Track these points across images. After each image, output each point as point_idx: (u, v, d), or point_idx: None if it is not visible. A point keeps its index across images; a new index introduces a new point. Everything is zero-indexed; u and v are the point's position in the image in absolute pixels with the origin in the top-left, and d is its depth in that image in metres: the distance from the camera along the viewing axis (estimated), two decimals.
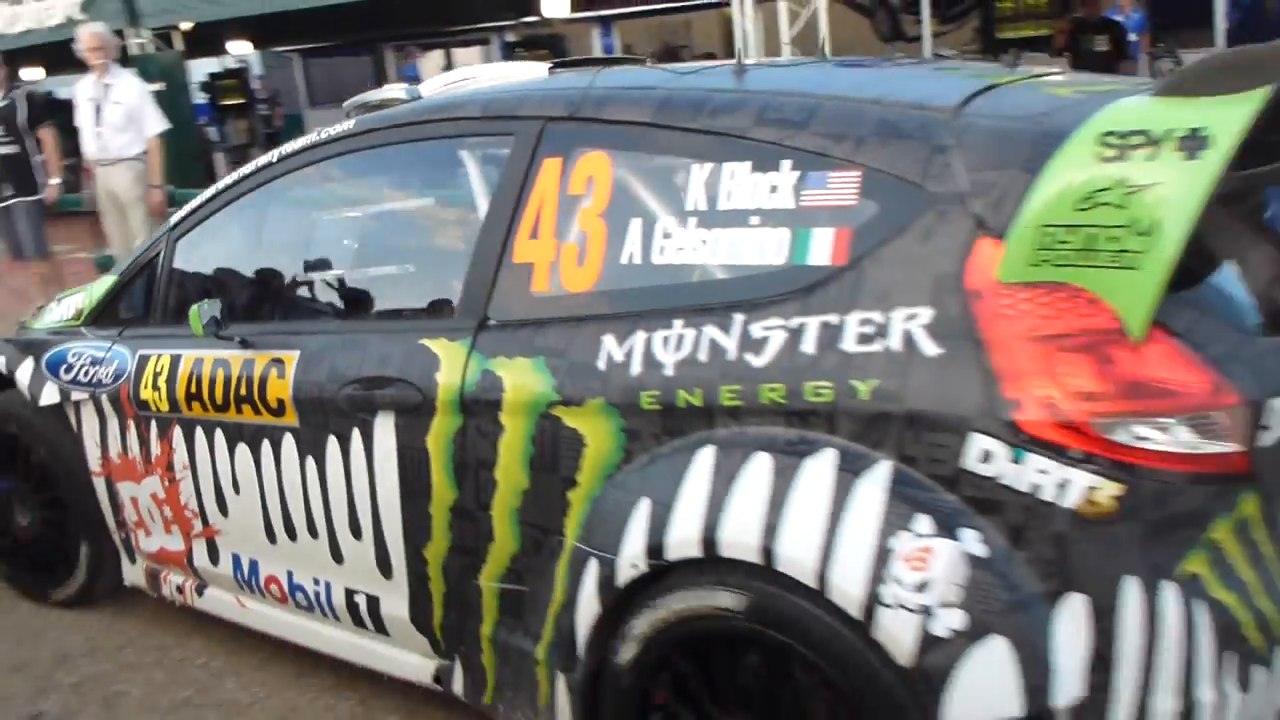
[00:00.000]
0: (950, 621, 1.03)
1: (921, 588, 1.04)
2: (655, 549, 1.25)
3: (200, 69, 11.97)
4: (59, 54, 9.14)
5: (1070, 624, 1.01)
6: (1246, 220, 1.18)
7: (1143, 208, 0.94)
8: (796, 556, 1.12)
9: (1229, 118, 0.93)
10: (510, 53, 10.89)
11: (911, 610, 1.04)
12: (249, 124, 11.03)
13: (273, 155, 1.92)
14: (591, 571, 1.34)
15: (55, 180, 5.19)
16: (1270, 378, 1.05)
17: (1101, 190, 0.96)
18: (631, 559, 1.28)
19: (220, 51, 12.08)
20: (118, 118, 5.17)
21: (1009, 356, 1.03)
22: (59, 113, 5.57)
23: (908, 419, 1.09)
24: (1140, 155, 0.95)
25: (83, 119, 5.15)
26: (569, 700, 1.43)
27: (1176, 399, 0.99)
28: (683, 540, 1.23)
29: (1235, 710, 1.03)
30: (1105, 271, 0.96)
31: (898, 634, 1.06)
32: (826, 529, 1.10)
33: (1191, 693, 1.01)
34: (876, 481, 1.10)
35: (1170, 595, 1.01)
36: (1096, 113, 1.04)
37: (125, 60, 6.77)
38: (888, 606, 1.06)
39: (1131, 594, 1.00)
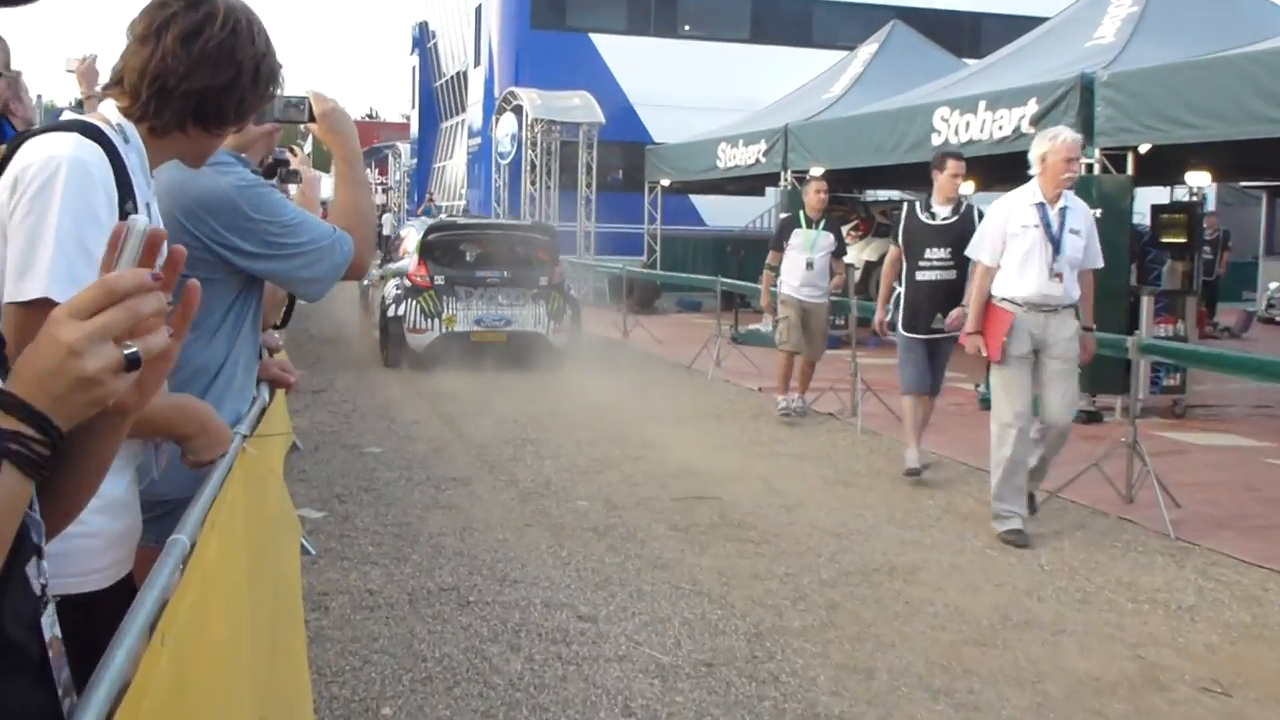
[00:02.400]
0: None
1: None
2: None
3: (1147, 197, 11.50)
4: (1002, 167, 9.70)
5: None
6: None
7: None
8: None
9: None
10: None
11: None
12: (1187, 267, 10.16)
13: None
14: None
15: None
16: None
17: None
18: None
19: (1175, 180, 11.52)
20: (1075, 250, 5.61)
21: None
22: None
23: None
24: None
25: (1028, 248, 5.68)
26: None
27: None
28: None
29: None
30: None
31: None
32: None
33: None
34: None
35: None
36: None
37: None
38: None
39: None
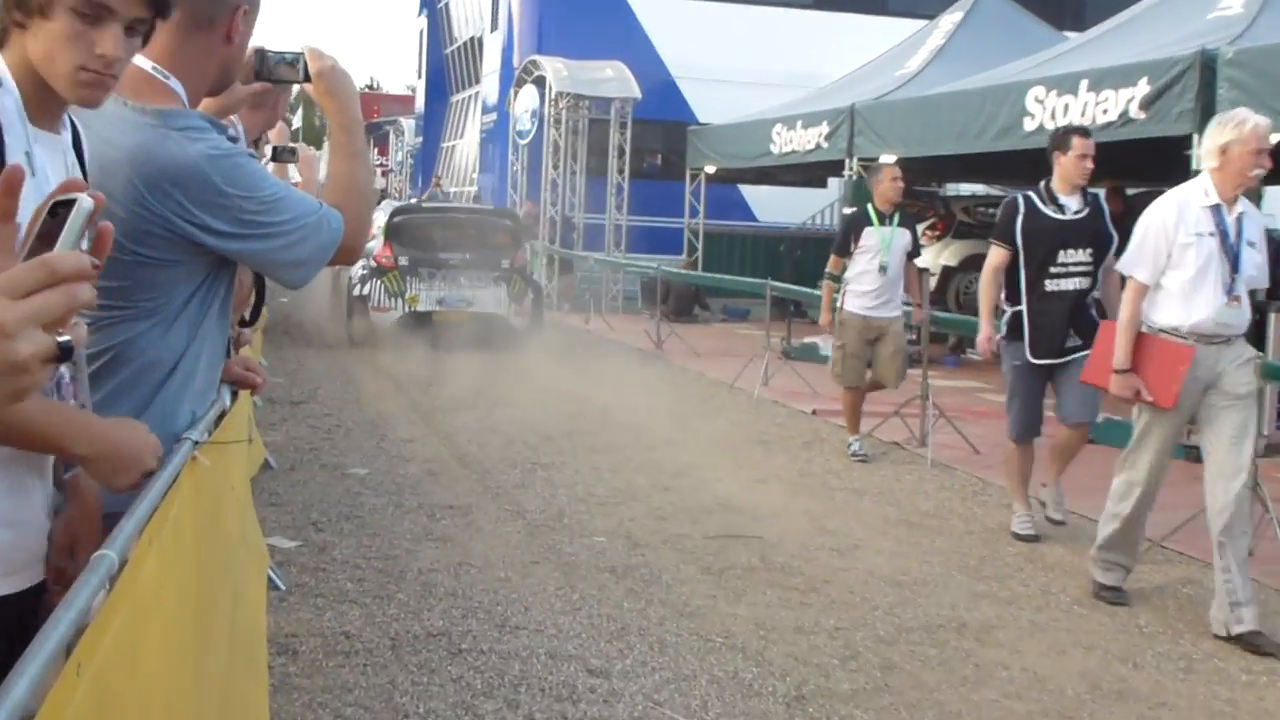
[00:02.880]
0: None
1: None
2: None
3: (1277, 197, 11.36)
4: (1109, 160, 9.62)
5: None
6: None
7: None
8: None
9: None
10: None
11: None
12: None
13: None
14: None
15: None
16: None
17: None
18: None
19: None
20: (1254, 267, 5.31)
21: None
22: None
23: None
24: None
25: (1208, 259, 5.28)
26: None
27: None
28: None
29: None
30: None
31: None
32: None
33: None
34: None
35: None
36: None
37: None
38: None
39: None
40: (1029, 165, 14.51)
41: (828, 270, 8.87)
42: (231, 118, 4.59)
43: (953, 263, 15.65)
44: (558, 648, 4.76)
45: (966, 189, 20.07)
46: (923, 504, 7.46)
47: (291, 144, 4.95)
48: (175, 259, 2.37)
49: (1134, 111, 9.33)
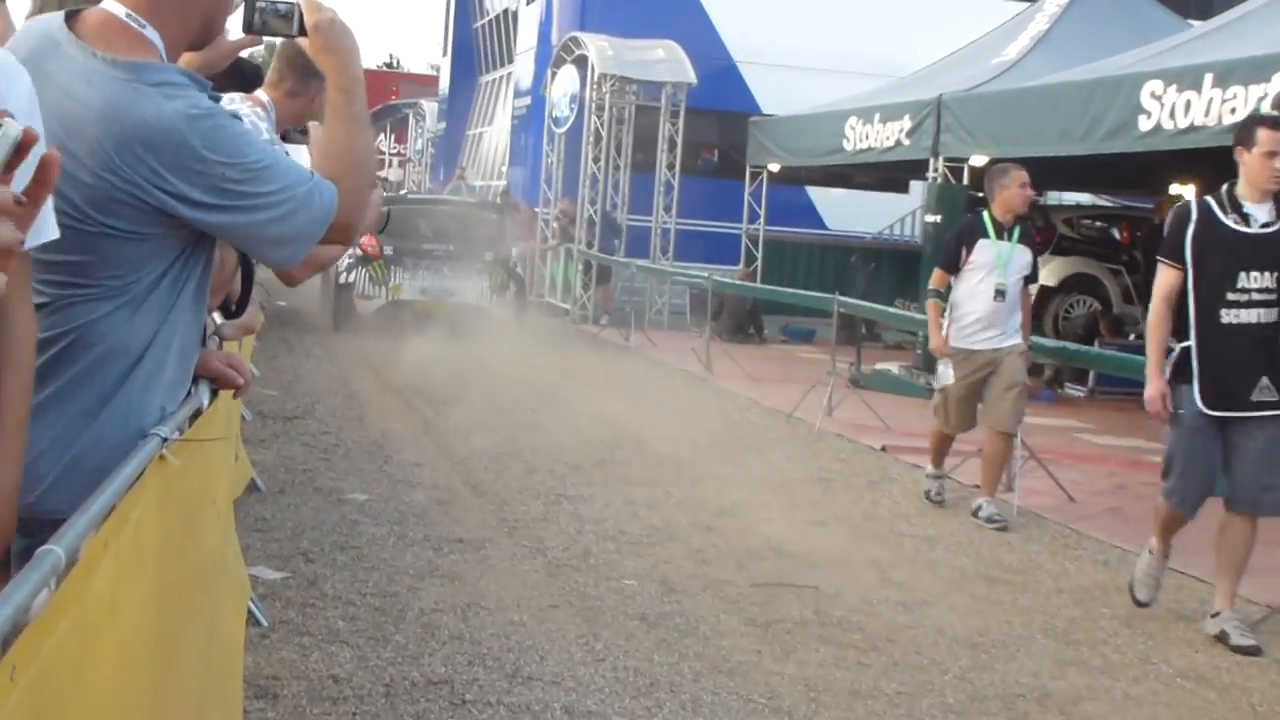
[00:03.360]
0: None
1: None
2: None
3: None
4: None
5: None
6: None
7: None
8: None
9: None
10: None
11: None
12: None
13: None
14: None
15: None
16: None
17: None
18: None
19: None
20: None
21: None
22: None
23: None
24: None
25: None
26: None
27: None
28: None
29: None
30: None
31: None
32: None
33: None
34: None
35: None
36: None
37: None
38: None
39: None
40: (1143, 171, 14.54)
41: (932, 287, 8.52)
42: (264, 99, 4.71)
43: (1051, 282, 15.58)
44: (576, 703, 4.76)
45: (1070, 198, 19.98)
46: (1005, 556, 7.41)
47: (244, 112, 5.05)
48: (146, 232, 2.39)
49: (1266, 110, 9.26)
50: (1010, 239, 8.16)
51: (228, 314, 3.38)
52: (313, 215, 2.50)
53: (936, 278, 8.45)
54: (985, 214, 8.24)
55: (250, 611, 5.22)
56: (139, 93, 2.33)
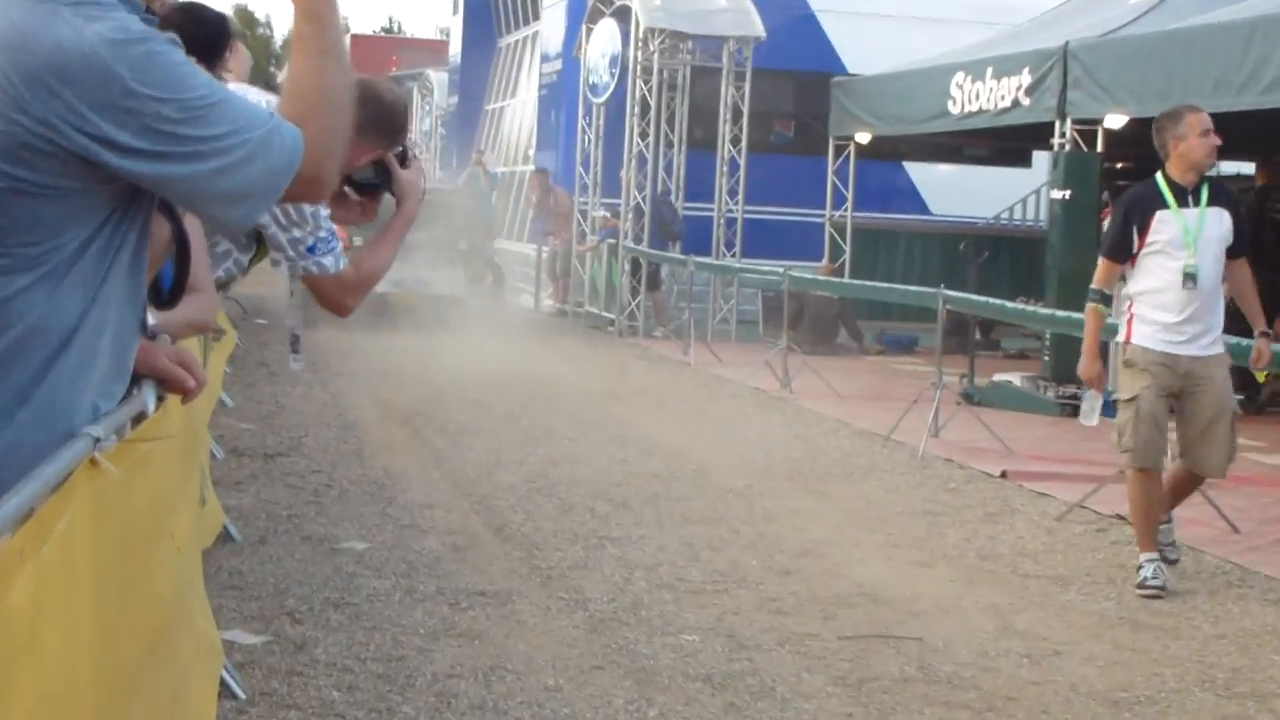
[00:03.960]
0: None
1: None
2: None
3: None
4: None
5: None
6: None
7: None
8: None
9: None
10: None
11: None
12: None
13: None
14: None
15: None
16: None
17: None
18: None
19: None
20: None
21: None
22: None
23: None
24: None
25: None
26: None
27: None
28: None
29: None
30: None
31: None
32: None
33: None
34: None
35: None
36: None
37: None
38: None
39: None
40: None
41: (1094, 287, 7.92)
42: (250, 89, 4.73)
43: None
44: None
45: (1229, 167, 19.79)
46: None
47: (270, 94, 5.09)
48: (65, 186, 2.37)
49: None
50: (1198, 203, 7.58)
51: (158, 302, 3.20)
52: (271, 164, 2.44)
53: (1101, 272, 7.86)
54: (1159, 178, 7.66)
55: (224, 682, 5.25)
56: (54, 14, 2.30)
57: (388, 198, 4.21)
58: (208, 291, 3.70)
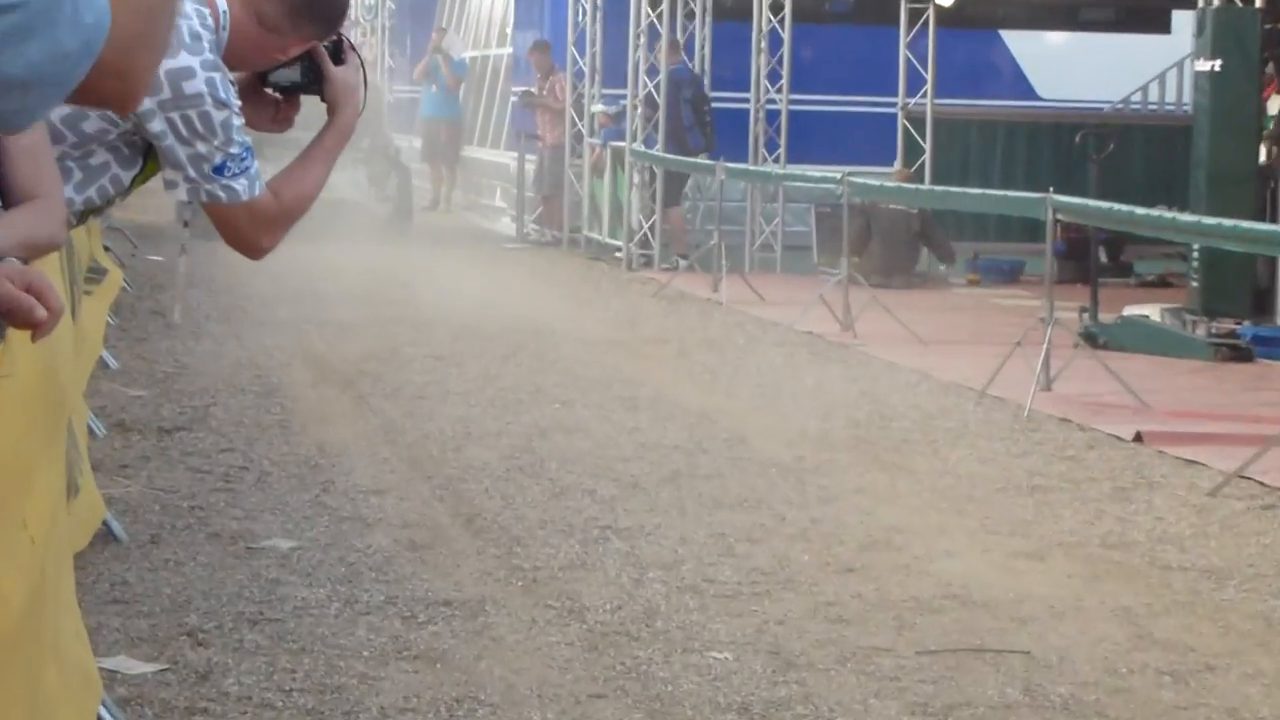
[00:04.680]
0: None
1: None
2: None
3: None
4: None
5: None
6: None
7: None
8: None
9: None
10: None
11: None
12: None
13: None
14: None
15: None
16: None
17: None
18: None
19: None
20: None
21: None
22: None
23: None
24: None
25: None
26: None
27: None
28: None
29: None
30: None
31: None
32: None
33: None
34: None
35: None
36: None
37: None
38: None
39: None
40: None
41: None
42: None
43: None
44: None
45: None
46: None
47: None
48: None
49: None
50: None
51: None
52: (59, 41, 2.39)
53: None
54: None
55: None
56: None
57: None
58: (51, 198, 3.67)
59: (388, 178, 20.06)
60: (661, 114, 20.26)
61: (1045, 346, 11.68)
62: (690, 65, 21.00)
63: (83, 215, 4.17)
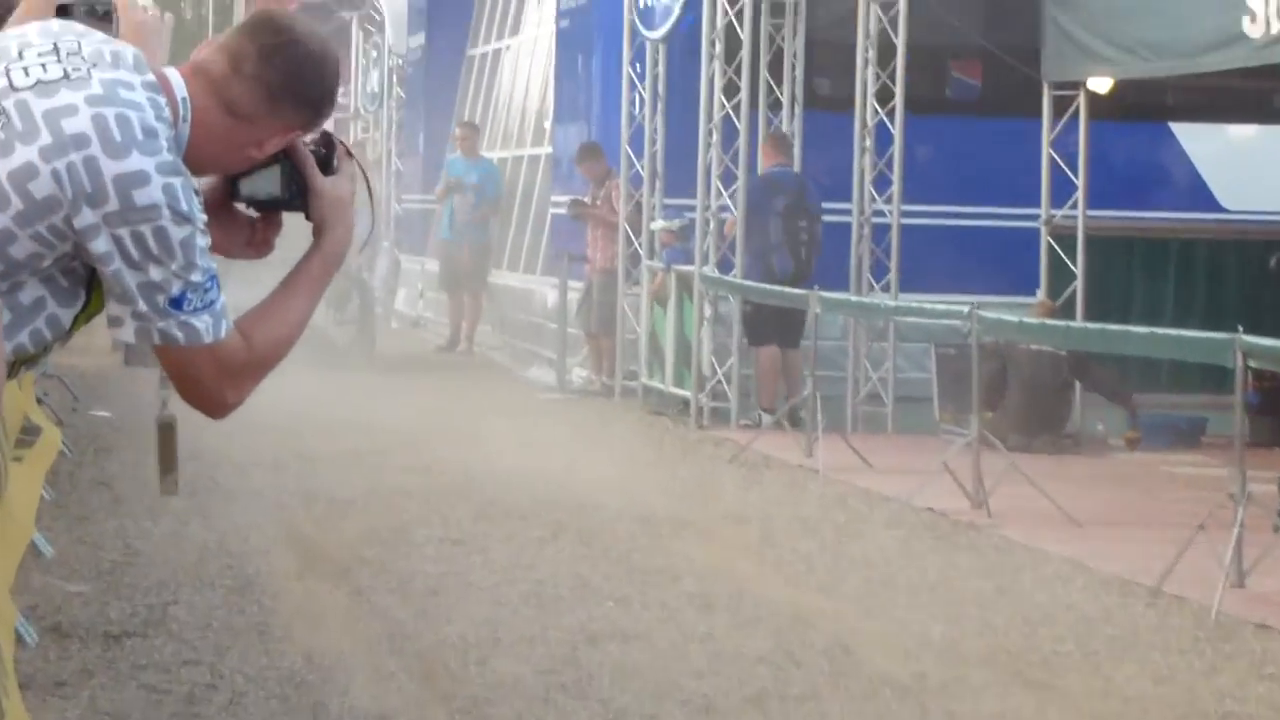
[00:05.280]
0: None
1: None
2: None
3: None
4: None
5: None
6: None
7: None
8: None
9: None
10: None
11: None
12: None
13: None
14: None
15: None
16: None
17: None
18: None
19: None
20: None
21: None
22: None
23: None
24: None
25: None
26: None
27: None
28: None
29: None
30: None
31: None
32: None
33: None
34: None
35: None
36: None
37: None
38: None
39: None
40: None
41: None
42: (172, 78, 4.77)
43: None
44: None
45: None
46: None
47: None
48: None
49: None
50: None
51: None
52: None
53: None
54: None
55: None
56: None
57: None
58: None
59: (348, 298, 20.80)
60: (740, 225, 20.22)
61: (1237, 530, 11.58)
62: (794, 169, 20.83)
63: (13, 367, 4.10)
